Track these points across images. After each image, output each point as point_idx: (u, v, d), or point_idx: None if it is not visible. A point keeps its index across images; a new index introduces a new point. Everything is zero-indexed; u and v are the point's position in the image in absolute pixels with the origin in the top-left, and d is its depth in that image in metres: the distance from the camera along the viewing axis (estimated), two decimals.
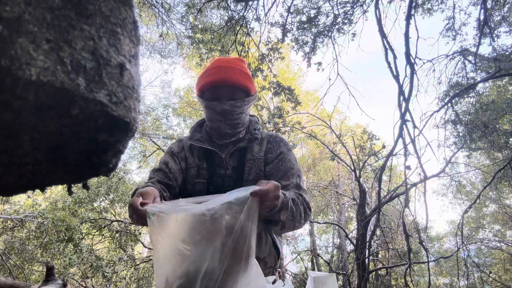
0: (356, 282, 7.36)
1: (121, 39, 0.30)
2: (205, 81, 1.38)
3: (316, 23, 5.87)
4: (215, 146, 1.44)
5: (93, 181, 8.94)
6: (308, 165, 13.09)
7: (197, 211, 0.96)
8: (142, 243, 10.40)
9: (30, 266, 9.26)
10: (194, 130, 1.52)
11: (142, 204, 1.02)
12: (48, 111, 0.25)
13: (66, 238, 8.21)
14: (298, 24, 6.02)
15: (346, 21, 5.66)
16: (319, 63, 5.74)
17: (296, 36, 6.09)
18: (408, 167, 3.85)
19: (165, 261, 0.95)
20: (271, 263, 1.32)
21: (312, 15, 5.86)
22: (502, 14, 7.21)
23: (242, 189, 1.03)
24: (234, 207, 0.96)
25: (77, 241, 8.36)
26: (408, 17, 3.39)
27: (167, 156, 1.46)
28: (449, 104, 6.19)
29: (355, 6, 5.52)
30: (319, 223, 11.66)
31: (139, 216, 1.03)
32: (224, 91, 1.37)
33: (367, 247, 5.51)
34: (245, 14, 5.72)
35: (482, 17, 4.08)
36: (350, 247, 11.36)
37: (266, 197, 1.03)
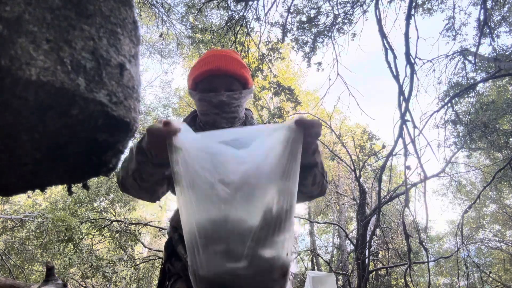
0: (356, 282, 7.36)
1: (121, 39, 0.30)
2: (200, 71, 1.26)
3: (316, 23, 5.87)
4: None
5: (93, 181, 8.94)
6: None
7: (238, 154, 0.83)
8: (142, 243, 10.41)
9: (30, 266, 9.26)
10: (188, 124, 1.40)
11: (166, 123, 0.85)
12: (48, 111, 0.25)
13: (66, 238, 8.21)
14: (298, 24, 6.02)
15: (346, 21, 5.66)
16: (319, 63, 5.74)
17: (296, 36, 6.10)
18: (408, 167, 3.85)
19: (195, 203, 0.79)
20: None
21: (312, 15, 5.86)
22: (502, 14, 7.21)
23: (277, 125, 0.90)
24: (277, 148, 0.84)
25: (77, 241, 8.36)
26: (408, 17, 3.39)
27: None
28: (449, 104, 6.19)
29: (355, 6, 5.52)
30: (319, 223, 11.67)
31: (158, 143, 0.86)
32: (220, 81, 1.26)
33: (367, 247, 5.51)
34: (245, 14, 5.72)
35: (482, 17, 4.09)
36: (350, 247, 11.37)
37: (310, 131, 0.92)
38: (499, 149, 8.13)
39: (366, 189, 7.49)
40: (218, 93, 1.25)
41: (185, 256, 1.17)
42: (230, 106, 1.27)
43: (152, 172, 1.01)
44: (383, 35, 3.56)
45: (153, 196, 1.14)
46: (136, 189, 1.08)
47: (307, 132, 0.92)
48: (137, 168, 1.01)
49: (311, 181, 1.12)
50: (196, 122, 1.40)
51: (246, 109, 1.43)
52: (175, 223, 1.28)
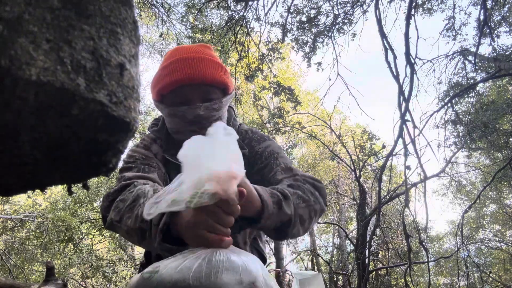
0: (356, 282, 7.36)
1: (121, 39, 0.30)
2: (166, 81, 1.00)
3: (316, 23, 5.87)
4: None
5: (93, 181, 8.94)
6: (308, 165, 13.09)
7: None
8: None
9: (30, 266, 9.26)
10: (166, 138, 1.11)
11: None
12: (48, 111, 0.25)
13: (66, 238, 8.22)
14: (298, 24, 6.02)
15: (346, 21, 5.66)
16: (319, 63, 5.74)
17: (296, 36, 6.10)
18: (408, 167, 3.85)
19: None
20: None
21: (312, 15, 5.86)
22: (502, 14, 7.21)
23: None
24: None
25: (77, 241, 8.37)
26: (408, 17, 3.39)
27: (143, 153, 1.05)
28: (449, 104, 6.19)
29: (355, 6, 5.52)
30: (319, 223, 11.66)
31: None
32: (195, 91, 1.00)
33: (367, 247, 5.51)
34: (245, 14, 5.72)
35: (482, 17, 4.08)
36: (350, 247, 11.37)
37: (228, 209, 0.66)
38: (499, 149, 8.13)
39: (366, 189, 7.49)
40: (193, 106, 0.99)
41: None
42: (210, 120, 1.00)
43: (152, 250, 0.77)
44: (383, 35, 3.56)
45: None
46: (131, 241, 0.85)
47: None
48: (136, 234, 0.78)
49: (295, 232, 0.88)
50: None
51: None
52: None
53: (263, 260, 1.17)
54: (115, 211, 0.83)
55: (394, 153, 4.23)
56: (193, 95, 1.00)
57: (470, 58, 7.00)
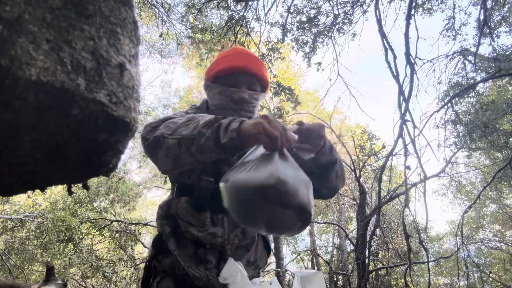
0: (356, 282, 7.35)
1: (121, 39, 0.30)
2: (226, 65, 1.26)
3: (316, 23, 5.87)
4: None
5: (93, 181, 8.94)
6: None
7: None
8: (142, 243, 10.41)
9: (30, 266, 9.27)
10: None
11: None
12: (48, 111, 0.25)
13: (66, 238, 8.22)
14: (298, 24, 6.02)
15: (346, 21, 5.66)
16: (319, 63, 5.74)
17: (296, 36, 6.10)
18: (408, 167, 3.86)
19: None
20: (262, 264, 1.30)
21: (312, 15, 5.86)
22: (502, 14, 7.21)
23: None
24: None
25: (77, 241, 8.37)
26: (408, 17, 3.39)
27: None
28: (449, 104, 6.19)
29: (355, 6, 5.52)
30: (319, 223, 11.68)
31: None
32: (245, 78, 1.27)
33: (367, 247, 5.51)
34: (245, 14, 5.72)
35: (482, 17, 4.08)
36: (350, 247, 11.37)
37: (312, 135, 1.01)
38: (499, 149, 8.13)
39: (366, 189, 7.49)
40: (241, 90, 1.25)
41: (175, 252, 1.14)
42: (249, 105, 1.27)
43: (209, 152, 0.90)
44: (383, 35, 3.56)
45: (172, 170, 1.05)
46: (171, 155, 0.96)
47: (311, 136, 1.01)
48: (193, 138, 0.91)
49: (335, 176, 1.16)
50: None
51: None
52: (168, 212, 1.23)
53: (268, 247, 1.33)
54: (166, 128, 0.99)
55: (394, 153, 4.24)
56: (242, 81, 1.26)
57: (470, 58, 7.00)
